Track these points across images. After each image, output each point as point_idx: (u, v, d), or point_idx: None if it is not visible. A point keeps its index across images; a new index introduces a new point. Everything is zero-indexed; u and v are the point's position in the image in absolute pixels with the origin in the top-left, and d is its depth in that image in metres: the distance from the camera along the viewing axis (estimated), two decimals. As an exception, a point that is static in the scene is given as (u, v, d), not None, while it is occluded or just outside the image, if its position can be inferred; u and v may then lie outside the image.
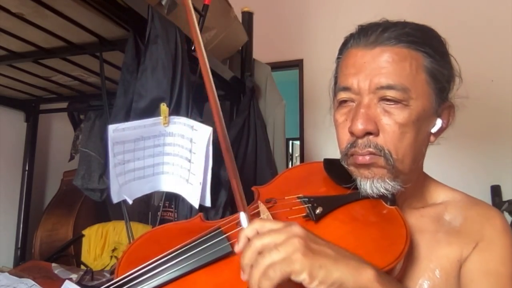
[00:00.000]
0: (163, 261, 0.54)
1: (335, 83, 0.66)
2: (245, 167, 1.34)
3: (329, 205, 0.60)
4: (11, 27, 0.97)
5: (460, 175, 2.23)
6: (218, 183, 0.95)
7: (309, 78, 2.67)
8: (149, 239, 0.61)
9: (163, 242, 0.57)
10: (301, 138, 2.69)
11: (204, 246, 0.55)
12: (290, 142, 4.50)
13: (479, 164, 2.26)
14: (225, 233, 0.57)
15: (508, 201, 2.12)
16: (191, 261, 0.53)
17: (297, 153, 4.55)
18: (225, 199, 0.97)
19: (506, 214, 2.10)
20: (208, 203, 0.90)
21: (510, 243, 0.61)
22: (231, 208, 0.97)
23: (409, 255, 0.61)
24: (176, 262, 0.53)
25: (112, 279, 0.53)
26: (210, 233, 0.57)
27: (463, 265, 0.60)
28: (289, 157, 4.50)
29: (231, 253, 0.54)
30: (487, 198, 2.17)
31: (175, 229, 0.63)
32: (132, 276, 0.52)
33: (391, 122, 0.57)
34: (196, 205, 0.88)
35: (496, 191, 2.18)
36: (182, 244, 0.56)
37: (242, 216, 0.50)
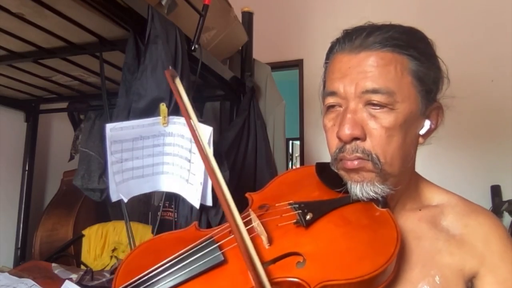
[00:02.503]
0: (157, 272, 0.54)
1: (324, 87, 0.66)
2: (245, 167, 1.34)
3: (320, 210, 0.60)
4: (11, 27, 0.97)
5: (460, 175, 2.23)
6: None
7: (309, 78, 2.67)
8: (146, 249, 0.62)
9: (160, 252, 0.58)
10: (301, 138, 2.70)
11: (197, 256, 0.55)
12: (290, 142, 4.50)
13: (479, 164, 2.26)
14: (217, 242, 0.57)
15: (508, 201, 2.12)
16: (184, 272, 0.54)
17: (297, 153, 4.56)
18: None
19: (506, 214, 2.10)
20: (210, 202, 0.90)
21: None
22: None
23: (408, 260, 0.61)
24: (170, 273, 0.54)
25: (112, 280, 0.54)
26: (202, 242, 0.58)
27: (476, 284, 0.61)
28: (289, 157, 4.51)
29: (223, 262, 0.55)
30: (487, 198, 2.17)
31: (171, 239, 0.64)
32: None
33: (378, 126, 0.57)
34: (197, 205, 0.88)
35: (496, 191, 2.18)
36: (176, 254, 0.57)
37: None
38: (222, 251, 0.56)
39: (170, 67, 0.60)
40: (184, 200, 0.94)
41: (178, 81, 0.61)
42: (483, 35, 2.30)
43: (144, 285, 0.53)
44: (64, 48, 1.09)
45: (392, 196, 0.62)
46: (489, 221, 0.64)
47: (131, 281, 0.54)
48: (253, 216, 0.60)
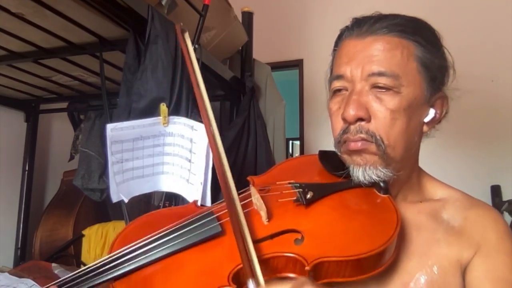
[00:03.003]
0: (153, 239, 0.54)
1: (331, 74, 0.67)
2: (245, 167, 1.34)
3: (321, 191, 0.60)
4: (11, 27, 0.97)
5: (460, 175, 2.23)
6: (219, 182, 0.95)
7: (309, 78, 2.67)
8: (144, 223, 0.61)
9: (157, 225, 0.58)
10: (301, 138, 2.69)
11: (195, 226, 0.55)
12: (290, 142, 4.51)
13: (479, 164, 2.26)
14: (215, 214, 0.57)
15: (508, 201, 2.11)
16: (180, 240, 0.54)
17: (297, 153, 4.56)
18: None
19: (506, 214, 2.10)
20: (209, 203, 0.90)
21: None
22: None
23: (406, 250, 0.61)
24: (166, 241, 0.54)
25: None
26: (201, 213, 0.58)
27: (467, 270, 0.60)
28: (289, 157, 4.51)
29: (220, 233, 0.54)
30: (487, 198, 2.17)
31: (169, 214, 0.64)
32: (122, 253, 0.53)
33: (383, 108, 0.58)
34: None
35: (496, 191, 2.17)
36: (173, 224, 0.56)
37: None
38: (220, 222, 0.55)
39: (181, 23, 0.61)
40: (184, 200, 0.94)
41: (187, 36, 0.63)
42: (483, 35, 2.30)
43: (138, 252, 0.53)
44: (64, 48, 1.09)
45: (393, 184, 0.62)
46: (489, 214, 0.64)
47: (125, 247, 0.53)
48: (253, 190, 0.60)
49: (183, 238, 0.54)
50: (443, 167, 2.14)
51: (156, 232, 0.55)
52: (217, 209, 0.59)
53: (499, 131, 2.23)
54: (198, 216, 0.57)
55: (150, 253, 0.52)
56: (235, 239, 0.50)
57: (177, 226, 0.56)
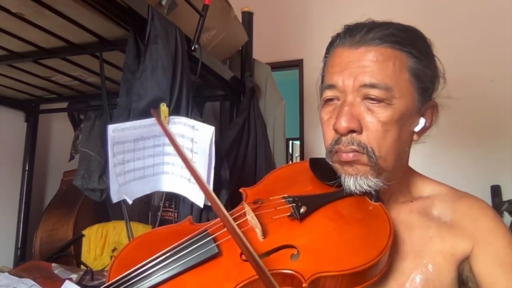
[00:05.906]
0: (152, 264, 0.54)
1: (322, 81, 0.67)
2: (245, 167, 1.34)
3: (314, 204, 0.60)
4: (11, 27, 0.97)
5: (460, 175, 2.23)
6: (219, 182, 0.95)
7: (309, 78, 2.67)
8: (140, 244, 0.62)
9: (154, 246, 0.58)
10: (301, 138, 2.70)
11: (192, 248, 0.56)
12: (290, 142, 4.51)
13: (479, 164, 2.26)
14: (211, 235, 0.57)
15: (508, 201, 2.12)
16: (179, 263, 0.54)
17: (297, 153, 4.56)
18: (226, 199, 0.97)
19: (506, 214, 2.10)
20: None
21: (506, 230, 0.63)
22: (231, 208, 0.97)
23: (400, 251, 0.61)
24: (165, 265, 0.54)
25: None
26: (197, 235, 0.58)
27: (472, 264, 0.61)
28: (289, 157, 4.51)
29: (218, 254, 0.55)
30: (487, 198, 2.17)
31: (165, 233, 0.64)
32: (122, 281, 0.53)
33: (374, 120, 0.58)
34: (201, 204, 0.88)
35: (496, 191, 2.18)
36: (170, 247, 0.57)
37: None
38: (216, 243, 0.56)
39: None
40: (184, 200, 0.94)
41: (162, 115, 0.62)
42: (483, 35, 2.30)
43: (138, 278, 0.53)
44: (64, 48, 1.09)
45: (385, 191, 0.63)
46: (476, 204, 0.65)
47: (125, 274, 0.53)
48: (247, 209, 0.60)
49: (181, 262, 0.54)
50: (444, 167, 2.15)
51: (154, 257, 0.55)
52: (213, 229, 0.59)
53: (499, 131, 2.23)
54: (195, 238, 0.57)
55: (149, 279, 0.53)
56: (231, 259, 0.52)
57: (174, 250, 0.56)
